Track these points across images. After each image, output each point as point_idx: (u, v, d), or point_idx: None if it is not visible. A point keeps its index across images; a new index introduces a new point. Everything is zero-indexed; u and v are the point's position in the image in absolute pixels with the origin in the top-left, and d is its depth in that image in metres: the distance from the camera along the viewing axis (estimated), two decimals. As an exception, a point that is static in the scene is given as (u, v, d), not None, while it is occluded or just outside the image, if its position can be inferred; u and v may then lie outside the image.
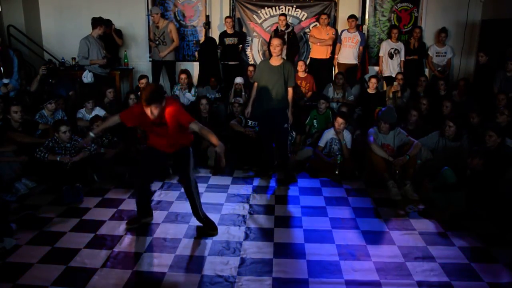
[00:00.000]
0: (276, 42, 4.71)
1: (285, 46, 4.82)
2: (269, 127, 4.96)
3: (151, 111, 3.34)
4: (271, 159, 5.17)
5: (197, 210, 3.75)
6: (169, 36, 7.16)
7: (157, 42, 7.15)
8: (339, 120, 5.19)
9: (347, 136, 5.27)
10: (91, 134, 3.89)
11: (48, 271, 3.08)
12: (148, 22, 7.95)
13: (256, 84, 4.93)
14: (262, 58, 8.11)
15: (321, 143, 5.34)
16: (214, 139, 3.36)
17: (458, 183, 4.12)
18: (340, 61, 7.45)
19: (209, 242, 3.57)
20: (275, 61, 4.79)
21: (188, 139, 3.70)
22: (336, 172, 5.06)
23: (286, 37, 7.16)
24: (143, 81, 6.58)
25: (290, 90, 4.89)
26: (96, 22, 6.38)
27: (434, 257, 3.36)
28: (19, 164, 4.61)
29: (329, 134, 5.33)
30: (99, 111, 5.78)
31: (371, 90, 6.77)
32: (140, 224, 3.85)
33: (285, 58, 4.98)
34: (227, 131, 5.73)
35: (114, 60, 7.45)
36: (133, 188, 3.84)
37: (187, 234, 3.69)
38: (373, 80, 6.78)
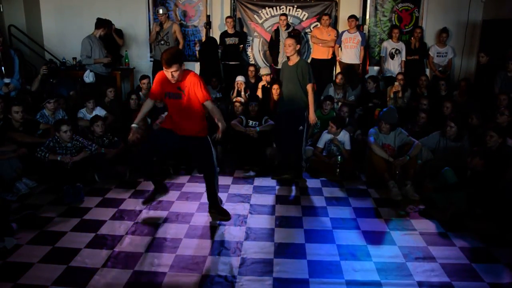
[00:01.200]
0: (288, 42, 4.72)
1: (298, 46, 4.78)
2: (282, 127, 4.96)
3: (171, 74, 3.43)
4: (285, 160, 5.08)
5: (215, 198, 3.87)
6: (173, 36, 7.19)
7: (161, 43, 7.16)
8: (331, 124, 5.23)
9: (345, 136, 5.27)
10: (134, 125, 3.86)
11: (49, 271, 3.09)
12: (149, 22, 7.96)
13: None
14: (263, 58, 8.13)
15: (320, 144, 5.34)
16: (219, 121, 3.59)
17: (458, 183, 4.11)
18: (342, 61, 7.45)
19: (209, 242, 3.57)
20: (292, 61, 4.81)
21: (202, 126, 3.76)
22: (337, 172, 5.06)
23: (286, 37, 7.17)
24: (145, 81, 6.57)
25: (308, 87, 4.79)
26: (101, 23, 6.37)
27: (434, 257, 3.36)
28: (19, 164, 4.61)
29: (327, 135, 5.32)
30: (99, 111, 5.78)
31: (371, 89, 6.79)
32: (155, 200, 4.09)
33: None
34: (228, 131, 5.73)
35: (115, 60, 7.45)
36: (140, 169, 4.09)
37: (188, 234, 3.69)
38: (369, 81, 6.81)
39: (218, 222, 3.90)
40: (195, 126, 3.72)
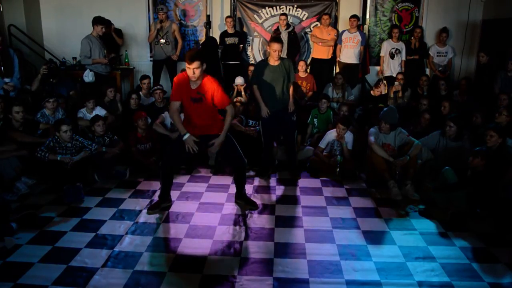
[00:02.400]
0: (277, 47, 4.61)
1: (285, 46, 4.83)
2: (273, 127, 4.92)
3: (193, 71, 3.66)
4: (271, 159, 5.18)
5: (243, 189, 4.18)
6: (172, 35, 7.26)
7: (161, 42, 7.19)
8: (340, 126, 5.18)
9: (349, 136, 5.26)
10: (187, 136, 3.86)
11: (49, 271, 3.08)
12: (149, 22, 7.96)
13: (255, 87, 4.82)
14: (263, 58, 8.11)
15: (322, 144, 5.33)
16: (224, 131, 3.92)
17: (458, 183, 4.11)
18: (341, 61, 7.45)
19: (209, 242, 3.57)
20: (274, 61, 4.72)
21: (220, 124, 3.97)
22: (337, 172, 5.06)
23: (286, 36, 7.17)
24: (145, 81, 6.58)
25: (291, 86, 4.86)
26: (97, 20, 6.37)
27: (434, 257, 3.36)
28: (19, 164, 4.61)
29: (331, 136, 5.31)
30: (100, 111, 5.78)
31: (375, 93, 6.75)
32: (160, 209, 4.13)
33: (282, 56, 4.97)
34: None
35: (115, 60, 7.44)
36: (160, 172, 4.12)
37: (188, 234, 3.69)
38: (380, 83, 6.72)
39: (218, 222, 3.90)
40: (215, 126, 3.97)
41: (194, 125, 3.94)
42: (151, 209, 4.13)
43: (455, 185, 4.11)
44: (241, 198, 4.24)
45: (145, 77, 6.66)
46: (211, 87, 3.81)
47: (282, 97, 4.78)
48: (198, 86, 3.81)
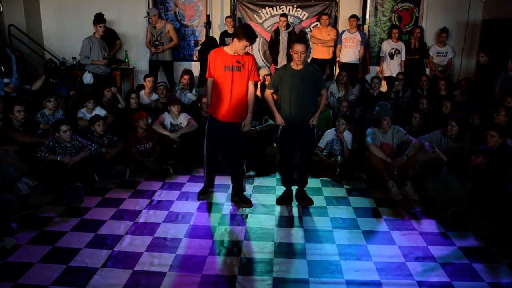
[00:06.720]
0: (299, 48, 3.92)
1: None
2: (294, 141, 4.27)
3: (245, 47, 3.86)
4: (291, 178, 4.43)
5: (240, 189, 4.31)
6: (167, 36, 7.19)
7: (156, 43, 7.15)
8: (341, 120, 5.17)
9: (347, 136, 5.26)
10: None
11: (49, 271, 3.09)
12: (149, 22, 7.95)
13: (269, 92, 4.20)
14: (263, 58, 8.11)
15: (322, 144, 5.33)
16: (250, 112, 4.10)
17: (460, 173, 4.12)
18: (341, 61, 7.45)
19: (209, 241, 3.57)
20: (297, 65, 4.05)
21: (246, 109, 4.08)
22: (337, 172, 5.06)
23: (286, 37, 7.17)
24: (150, 79, 6.53)
25: (324, 92, 4.25)
26: (94, 21, 6.34)
27: (434, 257, 3.36)
28: (22, 164, 4.61)
29: (330, 135, 5.32)
30: (99, 111, 5.77)
31: (375, 91, 6.77)
32: (208, 193, 4.44)
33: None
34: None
35: (114, 60, 7.45)
36: (205, 159, 4.28)
37: (188, 234, 3.69)
38: (375, 81, 6.80)
39: (217, 222, 3.91)
40: (243, 106, 4.05)
41: (225, 106, 3.99)
42: (201, 194, 4.40)
43: (456, 173, 4.15)
44: (236, 196, 4.33)
45: (149, 75, 6.64)
46: (249, 58, 3.99)
47: (306, 107, 4.09)
48: (238, 55, 3.93)
